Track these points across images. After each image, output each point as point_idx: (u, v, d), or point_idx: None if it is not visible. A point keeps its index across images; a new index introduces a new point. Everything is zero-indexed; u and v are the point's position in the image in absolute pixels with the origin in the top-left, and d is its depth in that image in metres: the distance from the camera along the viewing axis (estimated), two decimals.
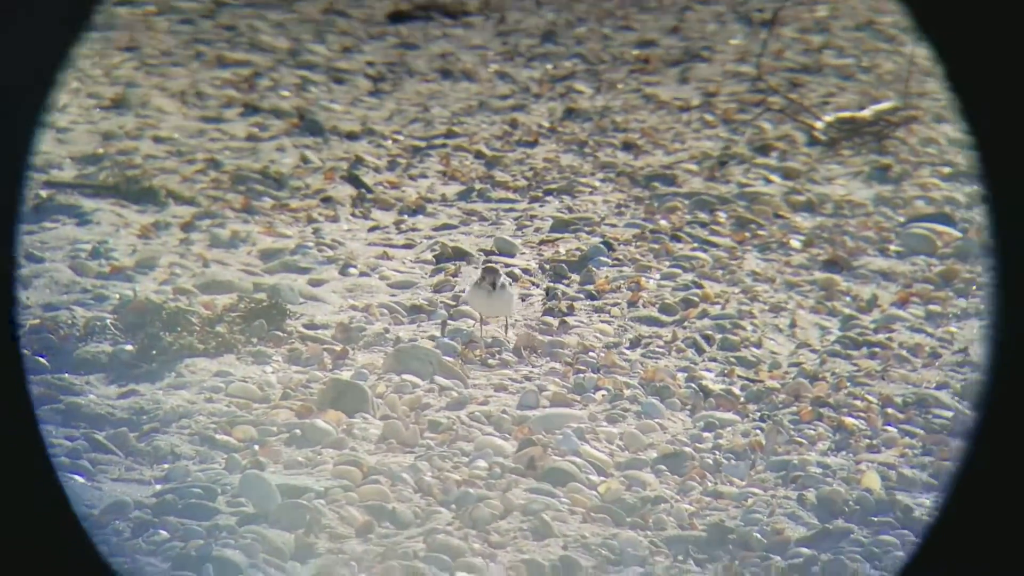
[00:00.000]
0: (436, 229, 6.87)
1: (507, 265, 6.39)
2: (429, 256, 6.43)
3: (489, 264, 5.54)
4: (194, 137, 8.23)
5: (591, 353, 5.31)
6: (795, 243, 6.62)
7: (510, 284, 5.43)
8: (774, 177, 7.62)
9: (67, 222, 6.53)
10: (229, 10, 11.54)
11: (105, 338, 4.99)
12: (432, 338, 5.34)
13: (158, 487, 3.72)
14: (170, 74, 9.54)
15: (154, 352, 4.88)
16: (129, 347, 4.90)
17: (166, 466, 3.92)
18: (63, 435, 4.06)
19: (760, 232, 6.79)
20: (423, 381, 4.91)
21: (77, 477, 3.72)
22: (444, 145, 8.31)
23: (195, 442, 4.14)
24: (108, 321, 5.07)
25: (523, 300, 5.93)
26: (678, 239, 6.67)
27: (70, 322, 5.09)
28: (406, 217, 7.03)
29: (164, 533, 3.42)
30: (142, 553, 3.33)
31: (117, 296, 5.43)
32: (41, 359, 4.75)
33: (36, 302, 5.43)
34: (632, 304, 5.87)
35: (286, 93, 9.32)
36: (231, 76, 9.58)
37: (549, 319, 5.69)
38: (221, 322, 5.19)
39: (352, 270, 6.15)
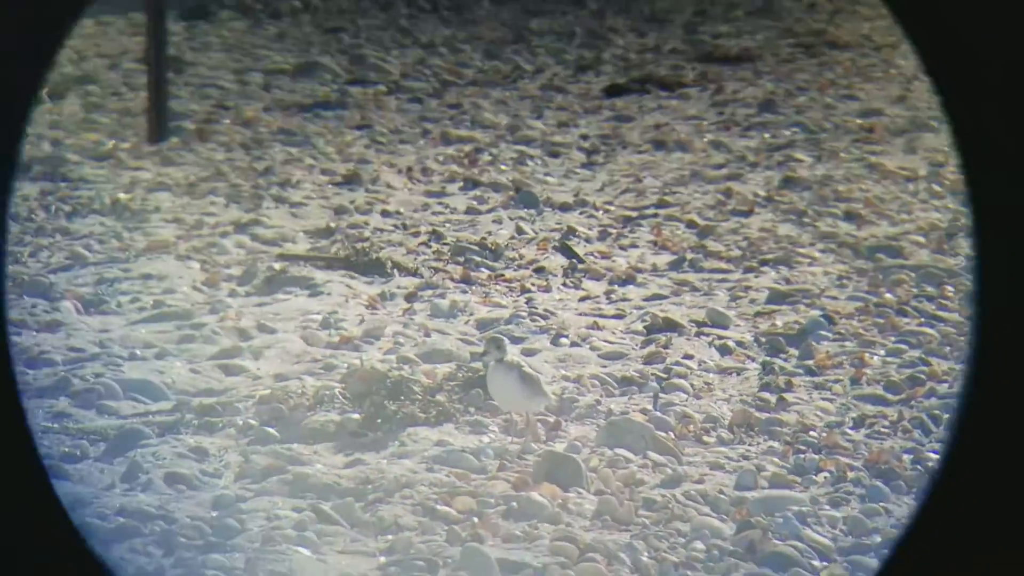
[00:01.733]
0: (647, 299, 6.86)
1: (720, 337, 6.31)
2: (640, 327, 6.42)
3: (494, 336, 5.23)
4: (419, 211, 8.50)
5: (811, 432, 5.18)
6: None
7: (522, 368, 4.90)
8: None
9: (299, 294, 6.82)
10: (455, 89, 11.93)
11: (333, 407, 5.17)
12: (644, 411, 5.32)
13: (382, 559, 3.81)
14: (399, 151, 9.91)
15: (379, 421, 5.03)
16: (356, 416, 5.05)
17: (390, 537, 4.01)
18: (290, 506, 4.21)
19: None
20: (636, 456, 4.88)
21: (302, 550, 3.82)
22: (655, 215, 8.32)
23: (417, 512, 4.23)
24: (336, 390, 5.25)
25: (738, 375, 5.84)
26: (904, 313, 6.47)
27: (300, 391, 5.30)
28: (616, 287, 7.06)
29: None
30: None
31: (346, 366, 5.62)
32: (271, 429, 4.94)
33: (268, 372, 5.67)
34: (855, 381, 5.71)
35: (504, 167, 9.53)
36: (454, 152, 9.88)
37: (766, 395, 5.59)
38: (441, 391, 5.31)
39: (564, 340, 6.21)
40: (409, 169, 9.46)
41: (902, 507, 4.61)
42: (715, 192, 8.82)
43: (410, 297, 6.86)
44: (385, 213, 8.37)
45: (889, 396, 5.56)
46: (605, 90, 11.74)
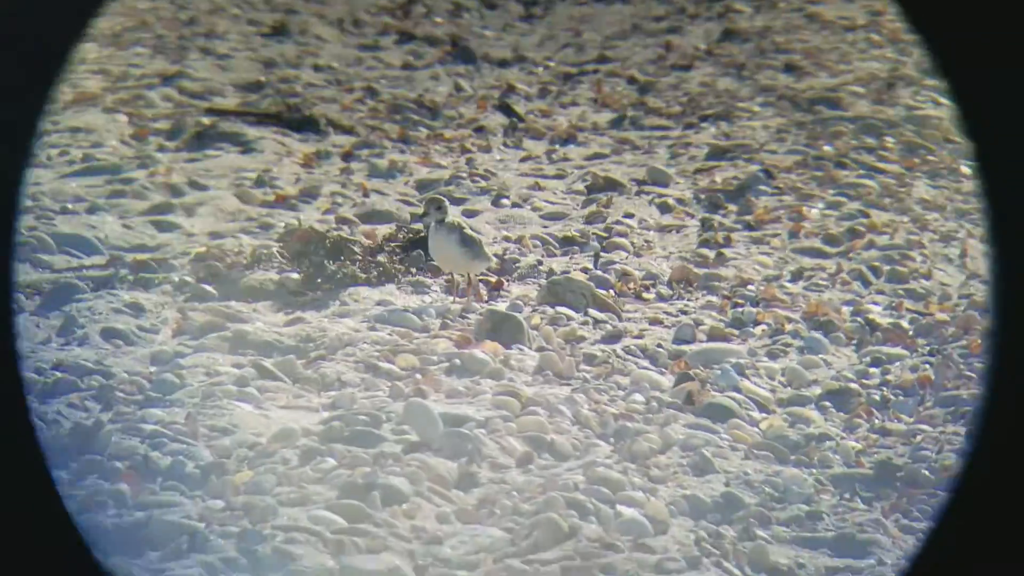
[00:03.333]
0: (588, 159, 6.81)
1: (660, 195, 6.30)
2: (581, 187, 6.39)
3: (434, 197, 5.14)
4: (352, 65, 8.32)
5: (750, 286, 5.21)
6: (967, 168, 6.37)
7: (463, 230, 4.83)
8: (944, 100, 7.32)
9: (231, 150, 6.68)
10: None
11: (272, 266, 5.10)
12: (585, 270, 5.32)
13: (325, 414, 3.80)
14: (328, 1, 9.63)
15: (319, 280, 4.98)
16: (295, 275, 5.00)
17: (333, 393, 4.00)
18: (230, 363, 4.17)
19: (930, 158, 6.56)
20: (577, 313, 4.90)
21: (244, 405, 3.81)
22: (596, 71, 8.21)
23: (360, 370, 4.22)
24: (274, 249, 5.19)
25: (678, 232, 5.84)
26: (843, 166, 6.49)
27: (237, 250, 5.22)
28: (557, 147, 6.99)
29: (332, 461, 3.49)
30: (308, 481, 3.41)
31: (283, 225, 5.54)
32: (208, 287, 4.88)
33: (202, 230, 5.58)
34: (794, 235, 5.74)
35: (439, 20, 9.32)
36: (387, 2, 9.63)
37: (705, 251, 5.60)
38: (382, 252, 5.26)
39: (505, 201, 6.16)
40: (340, 20, 9.21)
41: (840, 359, 4.68)
42: (655, 46, 8.72)
43: (347, 156, 6.74)
44: (317, 68, 8.18)
45: (828, 248, 5.60)
46: None
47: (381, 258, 5.23)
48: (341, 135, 7.02)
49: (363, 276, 5.07)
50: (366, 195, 6.17)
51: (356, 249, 5.18)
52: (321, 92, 7.74)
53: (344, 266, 5.08)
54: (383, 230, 5.55)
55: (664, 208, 6.13)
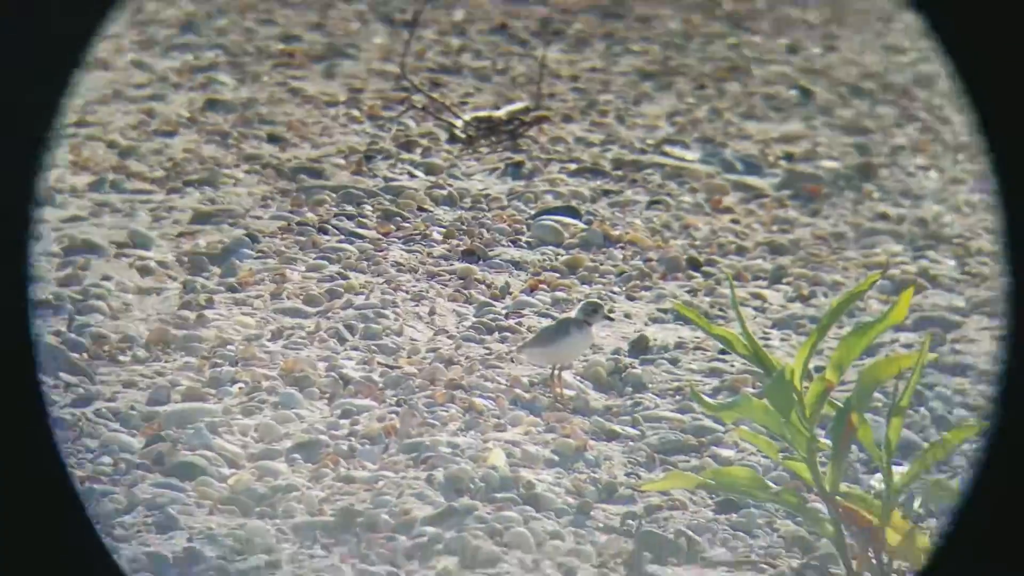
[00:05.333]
0: (64, 221, 6.60)
1: (141, 258, 6.23)
2: (56, 248, 6.18)
3: (594, 301, 5.25)
4: None
5: (230, 347, 5.26)
6: (437, 235, 6.81)
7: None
8: (418, 172, 7.80)
9: None
10: None
11: None
12: (58, 333, 5.15)
13: None
14: None
15: None
16: None
17: None
18: None
19: (405, 224, 6.94)
20: (49, 378, 4.73)
21: None
22: (75, 135, 7.98)
23: None
24: None
25: (159, 295, 5.80)
26: (325, 231, 6.72)
27: None
28: None
29: None
30: None
31: None
32: None
33: None
34: (276, 296, 5.86)
35: None
36: None
37: (186, 313, 5.60)
38: None
39: None
40: None
41: (314, 412, 4.82)
42: (138, 112, 8.61)
43: None
44: None
45: (308, 308, 5.76)
46: None
47: None
48: None
49: None
50: None
51: None
52: None
53: None
54: None
55: (145, 271, 6.06)
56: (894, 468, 3.66)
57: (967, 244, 6.92)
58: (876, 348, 5.38)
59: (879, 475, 3.70)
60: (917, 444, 4.59)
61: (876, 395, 4.57)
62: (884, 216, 7.41)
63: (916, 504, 3.68)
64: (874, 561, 3.59)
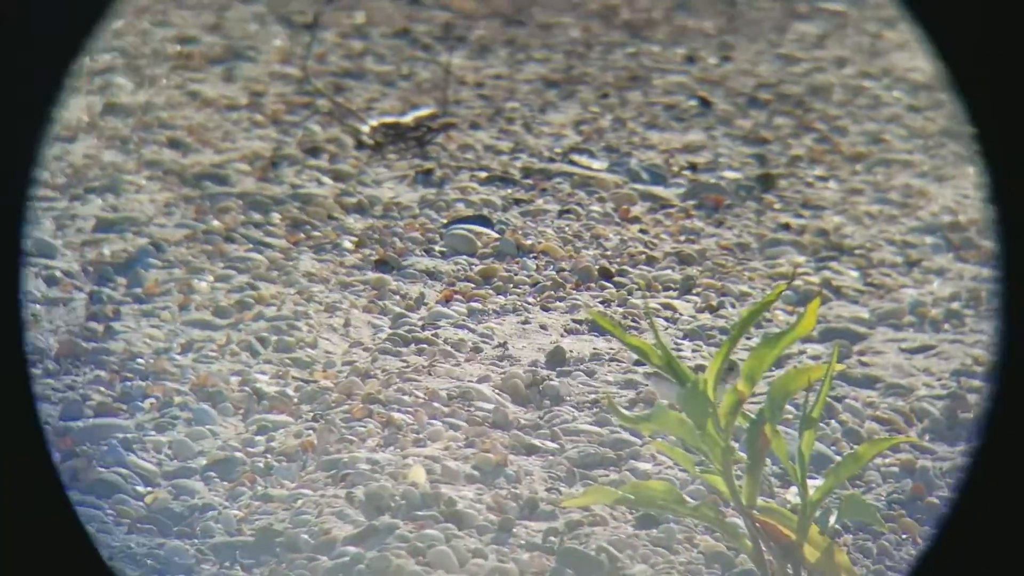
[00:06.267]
0: None
1: (47, 267, 6.08)
2: None
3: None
4: None
5: (139, 360, 5.17)
6: (348, 244, 6.76)
7: None
8: (326, 179, 7.73)
9: None
10: None
11: None
12: None
13: None
14: None
15: None
16: None
17: None
18: None
19: (315, 233, 6.88)
20: None
21: None
22: None
23: None
24: None
25: (65, 305, 5.67)
26: (232, 240, 6.62)
27: None
28: None
29: None
30: None
31: None
32: None
33: None
34: (184, 307, 5.77)
35: None
36: None
37: (94, 324, 5.48)
38: None
39: None
40: None
41: (228, 428, 4.76)
42: None
43: None
44: None
45: (218, 321, 5.68)
46: None
47: None
48: None
49: None
50: None
51: None
52: None
53: None
54: None
55: (51, 281, 5.92)
56: (808, 482, 3.73)
57: (869, 255, 7.10)
58: (784, 359, 5.49)
59: (794, 488, 3.77)
60: (830, 457, 4.70)
61: (787, 407, 4.68)
62: (786, 226, 7.55)
63: (832, 520, 3.76)
64: None
